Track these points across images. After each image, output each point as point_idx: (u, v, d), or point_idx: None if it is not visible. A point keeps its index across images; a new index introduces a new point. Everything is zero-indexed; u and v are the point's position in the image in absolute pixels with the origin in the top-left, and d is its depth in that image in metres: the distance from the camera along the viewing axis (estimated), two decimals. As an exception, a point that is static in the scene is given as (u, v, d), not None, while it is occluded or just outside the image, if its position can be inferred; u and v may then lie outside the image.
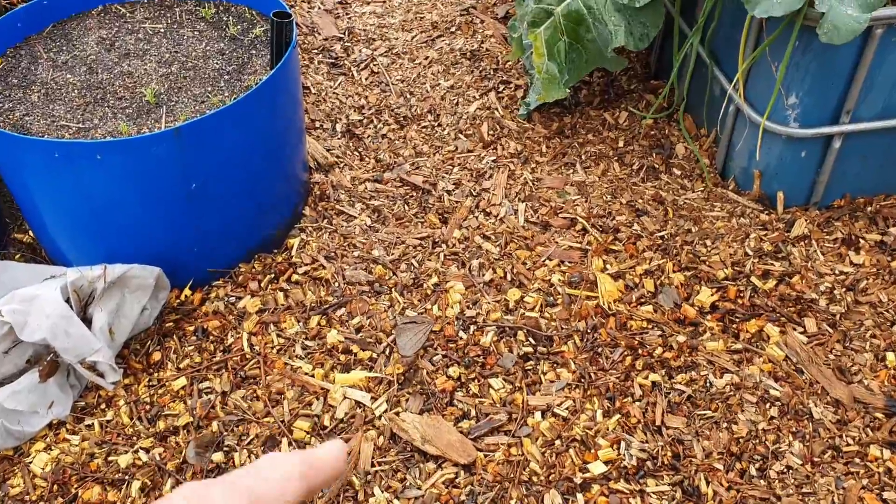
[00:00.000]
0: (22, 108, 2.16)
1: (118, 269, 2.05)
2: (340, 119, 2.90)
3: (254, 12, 2.51)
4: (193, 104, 2.18)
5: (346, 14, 3.41)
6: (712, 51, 2.47)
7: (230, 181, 2.18)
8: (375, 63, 3.14)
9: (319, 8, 3.41)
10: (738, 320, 2.16)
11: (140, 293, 2.12)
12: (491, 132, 2.82)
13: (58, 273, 2.09)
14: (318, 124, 2.87)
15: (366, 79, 3.08)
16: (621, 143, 2.72)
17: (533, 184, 2.62)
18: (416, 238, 2.46)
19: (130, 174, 2.01)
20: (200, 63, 2.32)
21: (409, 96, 3.00)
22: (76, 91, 2.22)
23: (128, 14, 2.51)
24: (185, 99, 2.20)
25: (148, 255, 2.19)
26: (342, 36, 3.27)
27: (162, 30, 2.45)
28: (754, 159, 2.39)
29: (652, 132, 2.75)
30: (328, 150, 2.75)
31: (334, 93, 3.01)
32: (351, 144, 2.81)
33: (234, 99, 2.17)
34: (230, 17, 2.49)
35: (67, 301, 1.99)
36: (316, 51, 3.19)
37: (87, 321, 2.04)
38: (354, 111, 2.95)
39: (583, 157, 2.70)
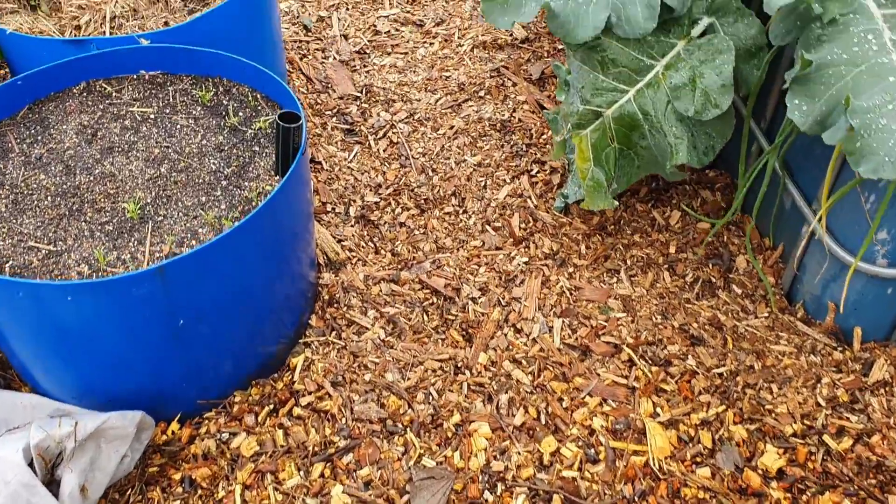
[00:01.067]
0: (-14, 221, 1.87)
1: (91, 423, 1.76)
2: (355, 201, 2.59)
3: (258, 95, 2.19)
4: (184, 220, 1.88)
5: (364, 66, 3.07)
6: (786, 161, 2.14)
7: (225, 313, 1.88)
8: (395, 131, 2.82)
9: (334, 59, 3.08)
10: (808, 492, 1.86)
11: (118, 443, 1.84)
12: (522, 225, 2.50)
13: (22, 422, 1.81)
14: (329, 207, 2.56)
15: (384, 150, 2.76)
16: (672, 249, 2.40)
17: (571, 293, 2.30)
18: (437, 360, 2.16)
19: (107, 314, 1.72)
20: (195, 162, 2.01)
21: (431, 173, 2.68)
22: (49, 199, 1.92)
23: (114, 93, 2.20)
24: (175, 213, 1.89)
25: (130, 387, 1.91)
26: (359, 94, 2.94)
27: (152, 116, 2.13)
28: (829, 289, 2.07)
29: (709, 237, 2.42)
30: (339, 242, 2.45)
31: (348, 167, 2.70)
32: (366, 233, 2.50)
33: (232, 225, 1.86)
34: (231, 102, 2.17)
35: (31, 464, 1.71)
36: (330, 113, 2.87)
37: (56, 483, 1.75)
38: (370, 191, 2.63)
39: (628, 262, 2.38)
